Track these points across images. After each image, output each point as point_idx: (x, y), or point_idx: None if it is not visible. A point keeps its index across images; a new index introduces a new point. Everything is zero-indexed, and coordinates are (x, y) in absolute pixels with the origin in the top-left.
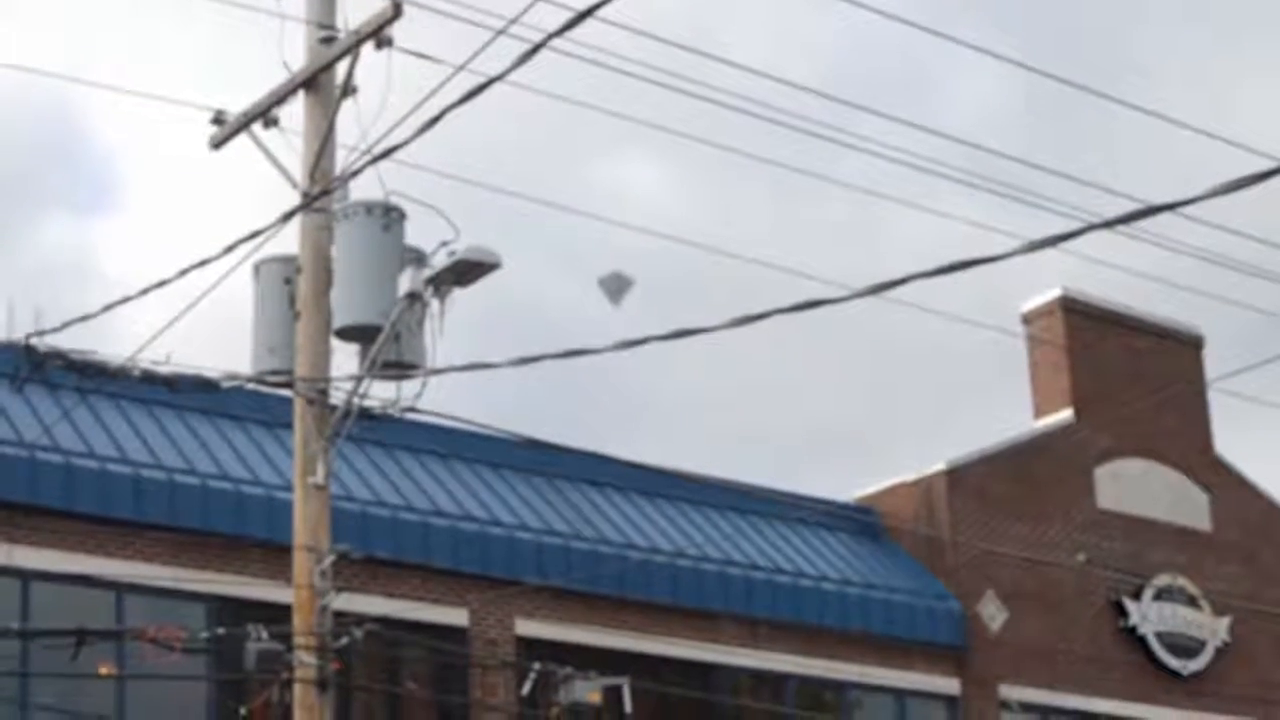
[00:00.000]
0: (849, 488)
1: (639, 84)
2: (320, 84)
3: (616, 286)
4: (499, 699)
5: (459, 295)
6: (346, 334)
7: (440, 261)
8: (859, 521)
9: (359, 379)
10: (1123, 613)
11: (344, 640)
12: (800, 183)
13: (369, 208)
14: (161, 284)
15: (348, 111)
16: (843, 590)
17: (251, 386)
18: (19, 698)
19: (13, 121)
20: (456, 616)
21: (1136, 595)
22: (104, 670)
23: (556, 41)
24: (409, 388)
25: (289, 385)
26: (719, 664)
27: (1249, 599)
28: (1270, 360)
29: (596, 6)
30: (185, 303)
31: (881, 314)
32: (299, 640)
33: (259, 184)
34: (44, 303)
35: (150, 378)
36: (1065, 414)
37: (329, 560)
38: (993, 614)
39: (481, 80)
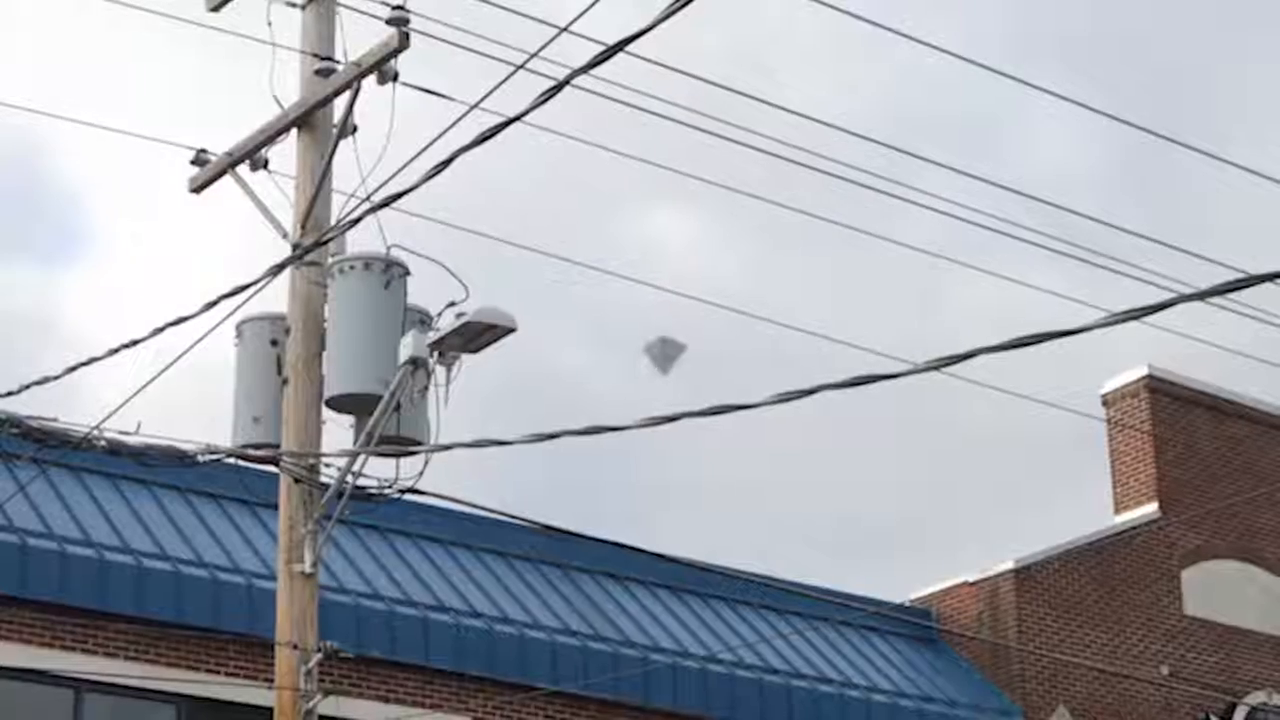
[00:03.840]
0: (903, 586)
1: (675, 127)
2: (315, 121)
3: (665, 354)
4: None
5: (468, 362)
6: (340, 404)
7: (447, 324)
8: (914, 625)
9: (353, 455)
10: None
11: None
12: (854, 241)
13: (368, 262)
14: (132, 344)
15: (346, 153)
16: (895, 703)
17: (232, 461)
18: None
19: None
20: None
21: (1228, 714)
22: None
23: (583, 79)
24: (409, 465)
25: (274, 460)
26: None
27: None
28: None
29: (629, 40)
30: (159, 365)
31: (943, 391)
32: None
33: (244, 233)
34: None
35: (117, 449)
36: (1150, 508)
37: (316, 658)
38: None
39: (498, 120)
